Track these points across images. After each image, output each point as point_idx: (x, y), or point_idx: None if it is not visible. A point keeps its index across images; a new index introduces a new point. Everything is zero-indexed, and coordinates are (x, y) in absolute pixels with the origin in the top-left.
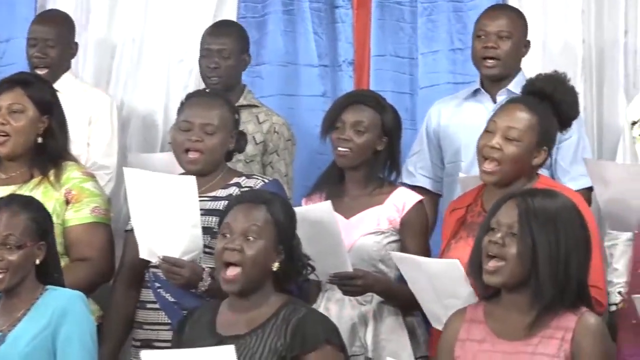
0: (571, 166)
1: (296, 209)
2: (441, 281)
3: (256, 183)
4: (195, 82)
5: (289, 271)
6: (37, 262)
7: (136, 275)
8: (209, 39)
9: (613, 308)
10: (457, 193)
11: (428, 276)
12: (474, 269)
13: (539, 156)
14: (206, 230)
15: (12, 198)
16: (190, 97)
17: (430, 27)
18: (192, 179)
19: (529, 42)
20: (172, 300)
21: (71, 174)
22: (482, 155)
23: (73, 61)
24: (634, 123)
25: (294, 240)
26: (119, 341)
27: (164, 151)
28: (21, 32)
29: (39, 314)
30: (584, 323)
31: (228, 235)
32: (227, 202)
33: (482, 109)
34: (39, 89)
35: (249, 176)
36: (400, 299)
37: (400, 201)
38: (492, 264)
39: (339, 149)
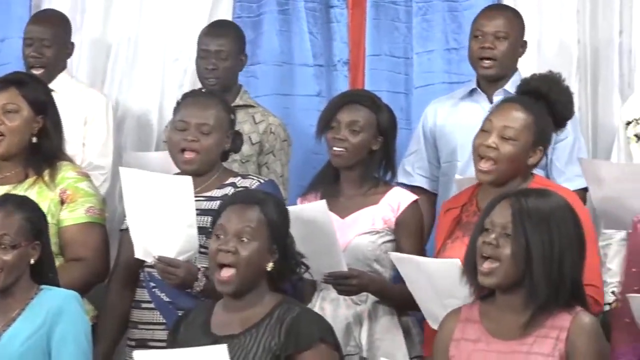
0: (567, 167)
1: (291, 208)
2: (441, 281)
3: (252, 183)
4: (190, 82)
5: (283, 270)
6: (32, 261)
7: (131, 274)
8: (206, 39)
9: (607, 308)
10: (452, 193)
11: (428, 276)
12: (469, 269)
13: (534, 156)
14: (202, 230)
15: (7, 198)
16: (186, 96)
17: (425, 27)
18: (189, 179)
19: (525, 42)
20: (167, 300)
21: (66, 174)
22: (478, 154)
23: (68, 61)
24: (628, 123)
25: (288, 239)
26: (114, 341)
27: (158, 150)
28: (16, 31)
29: (33, 313)
30: (578, 322)
31: (222, 237)
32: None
33: (479, 109)
34: (33, 88)
35: (244, 176)
36: (395, 299)
37: (395, 201)
38: (486, 266)
39: (334, 148)
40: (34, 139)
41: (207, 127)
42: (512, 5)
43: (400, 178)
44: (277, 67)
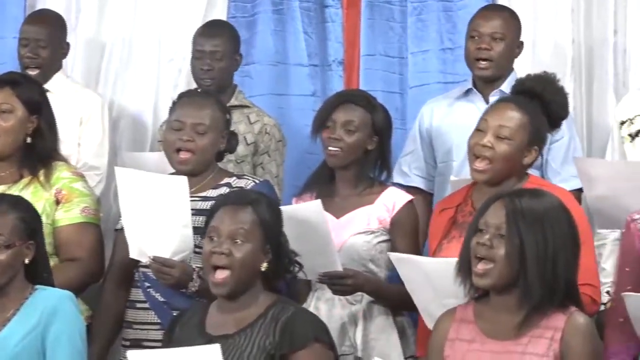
0: (562, 167)
1: (286, 208)
2: (441, 281)
3: (247, 184)
4: (185, 82)
5: (277, 270)
6: (26, 261)
7: (126, 274)
8: (200, 40)
9: (602, 308)
10: (448, 193)
11: (427, 276)
12: (463, 270)
13: (529, 155)
14: (197, 230)
15: (1, 198)
16: (182, 96)
17: (420, 27)
18: (184, 179)
19: (522, 43)
20: (162, 300)
21: (61, 174)
22: (474, 153)
23: (63, 61)
24: (622, 123)
25: (281, 238)
26: (109, 341)
27: (153, 150)
28: (10, 31)
29: (28, 313)
30: (573, 323)
31: (215, 239)
32: None
33: (474, 109)
34: (28, 89)
35: (239, 177)
36: (390, 299)
37: (391, 201)
38: (480, 267)
39: (330, 148)
40: (29, 139)
41: (203, 127)
42: (506, 5)
43: (397, 178)
44: (272, 67)
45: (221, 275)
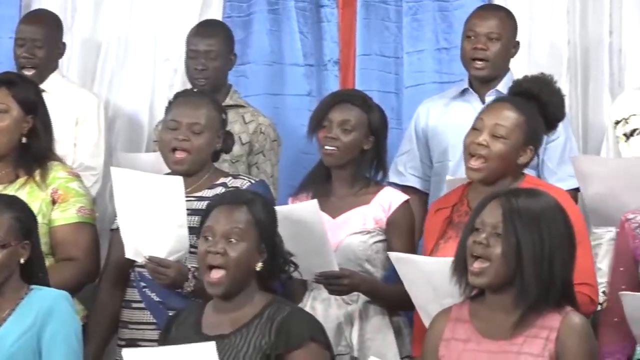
0: (559, 167)
1: (282, 208)
2: (440, 280)
3: (243, 183)
4: (180, 81)
5: (272, 270)
6: (22, 261)
7: (121, 274)
8: (195, 39)
9: (598, 308)
10: (444, 193)
11: (427, 275)
12: (459, 269)
13: (524, 155)
14: (192, 230)
15: None
16: (178, 96)
17: (415, 27)
18: (180, 179)
19: (518, 43)
20: (158, 299)
21: (57, 174)
22: (469, 152)
23: (59, 60)
24: (617, 122)
25: (276, 238)
26: (104, 341)
27: (149, 150)
28: (6, 31)
29: (24, 313)
30: (568, 323)
31: (210, 238)
32: None
33: (470, 109)
34: (23, 88)
35: (235, 176)
36: (386, 299)
37: (387, 201)
38: (477, 265)
39: (326, 147)
40: (24, 139)
41: (199, 127)
42: (502, 5)
43: (392, 178)
44: (267, 66)
45: (216, 274)
